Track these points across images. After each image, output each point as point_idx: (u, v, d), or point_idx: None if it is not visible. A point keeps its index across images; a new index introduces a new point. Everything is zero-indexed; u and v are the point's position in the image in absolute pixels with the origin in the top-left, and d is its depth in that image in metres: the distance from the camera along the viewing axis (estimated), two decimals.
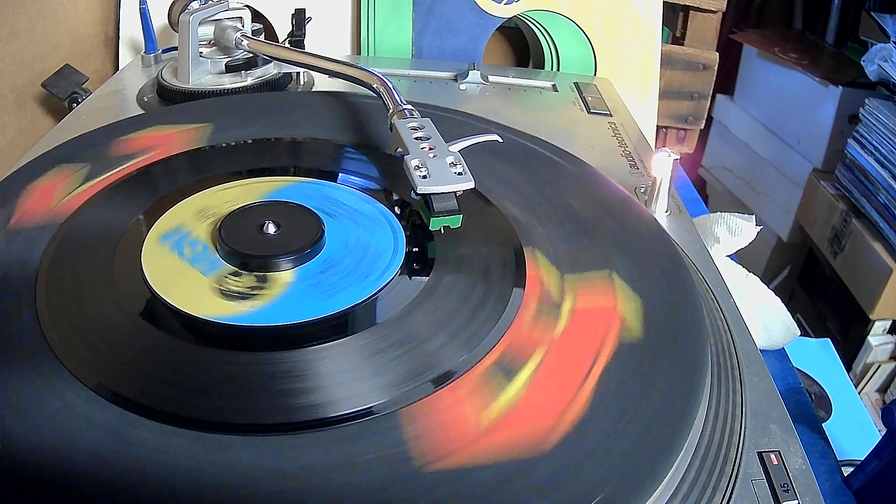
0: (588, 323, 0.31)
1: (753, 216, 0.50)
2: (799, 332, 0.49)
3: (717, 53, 0.77)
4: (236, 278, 0.33)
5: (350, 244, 0.36)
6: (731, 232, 0.50)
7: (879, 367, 0.93)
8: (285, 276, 0.33)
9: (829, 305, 1.06)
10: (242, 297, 0.32)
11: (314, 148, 0.45)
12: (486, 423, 0.26)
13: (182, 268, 0.33)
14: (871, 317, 0.90)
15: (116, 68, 0.71)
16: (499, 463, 0.24)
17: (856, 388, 0.84)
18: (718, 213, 0.51)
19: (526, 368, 0.29)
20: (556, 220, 0.38)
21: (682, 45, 0.77)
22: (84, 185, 0.39)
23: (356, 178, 0.41)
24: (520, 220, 0.38)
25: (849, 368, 0.94)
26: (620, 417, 0.26)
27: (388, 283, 0.33)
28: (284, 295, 0.32)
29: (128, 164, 0.41)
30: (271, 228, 0.35)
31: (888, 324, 0.93)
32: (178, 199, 0.38)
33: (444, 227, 0.34)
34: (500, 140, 0.40)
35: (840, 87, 1.00)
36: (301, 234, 0.35)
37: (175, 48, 0.57)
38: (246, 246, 0.34)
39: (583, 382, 0.28)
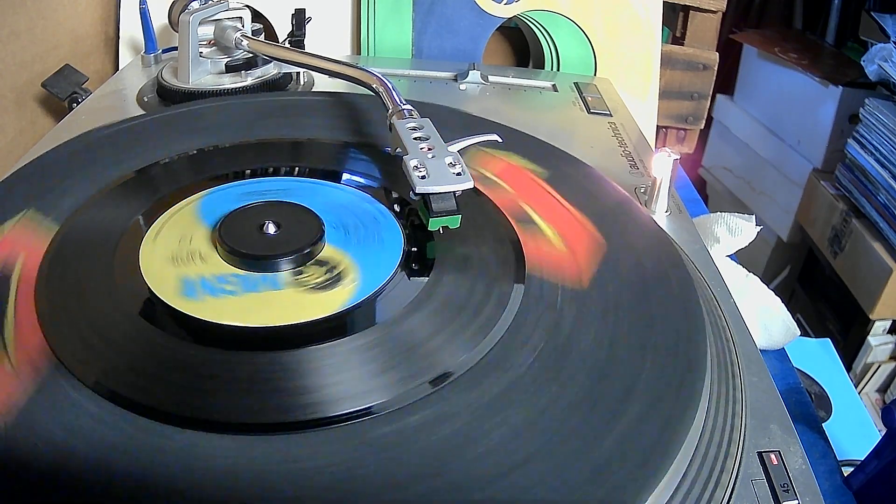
0: (512, 177, 0.42)
1: (753, 216, 0.50)
2: (799, 332, 0.49)
3: (717, 53, 0.77)
4: (306, 275, 0.33)
5: (329, 206, 0.38)
6: (731, 232, 0.50)
7: (879, 367, 0.93)
8: (332, 251, 0.35)
9: (829, 305, 1.06)
10: (334, 281, 0.33)
11: (305, 148, 0.45)
12: (567, 249, 0.36)
13: (249, 299, 0.32)
14: (871, 317, 0.90)
15: (116, 68, 0.71)
16: (601, 268, 0.35)
17: (856, 388, 0.84)
18: (718, 213, 0.51)
19: (535, 217, 0.38)
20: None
21: (682, 45, 0.77)
22: None
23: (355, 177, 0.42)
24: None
25: (849, 368, 0.94)
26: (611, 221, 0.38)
27: (388, 282, 0.33)
28: (358, 261, 0.34)
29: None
30: (271, 228, 0.35)
31: (888, 324, 0.93)
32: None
33: (442, 227, 0.34)
34: (500, 140, 0.40)
35: (840, 87, 1.00)
36: (296, 220, 0.36)
37: (175, 48, 0.57)
38: (273, 248, 0.34)
39: (564, 207, 0.39)
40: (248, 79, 0.56)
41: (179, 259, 0.34)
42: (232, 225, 0.35)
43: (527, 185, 0.41)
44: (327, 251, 0.35)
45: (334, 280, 0.33)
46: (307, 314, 0.31)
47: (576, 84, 0.65)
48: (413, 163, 0.35)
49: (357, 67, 0.47)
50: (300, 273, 0.33)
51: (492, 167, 0.43)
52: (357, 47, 0.71)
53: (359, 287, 0.33)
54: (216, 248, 0.34)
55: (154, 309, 0.31)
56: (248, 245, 0.34)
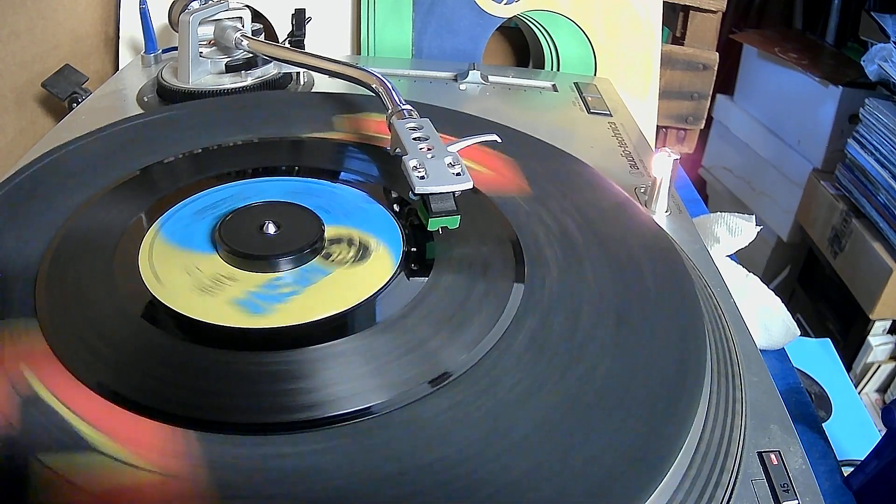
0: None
1: (753, 216, 0.50)
2: (799, 332, 0.49)
3: (717, 53, 0.77)
4: (336, 255, 0.34)
5: (314, 192, 0.39)
6: (731, 232, 0.50)
7: (879, 367, 0.93)
8: (341, 230, 0.36)
9: (829, 305, 1.06)
10: (364, 251, 0.35)
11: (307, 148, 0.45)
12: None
13: (313, 291, 0.32)
14: (871, 317, 0.90)
15: (116, 68, 0.71)
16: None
17: (856, 388, 0.84)
18: (718, 213, 0.51)
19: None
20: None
21: (682, 45, 0.77)
22: None
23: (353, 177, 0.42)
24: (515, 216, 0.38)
25: (849, 368, 0.94)
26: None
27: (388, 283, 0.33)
28: (369, 229, 0.36)
29: None
30: (272, 228, 0.35)
31: (888, 324, 0.93)
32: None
33: (441, 227, 0.34)
34: (499, 140, 0.40)
35: (840, 87, 1.00)
36: (297, 220, 0.36)
37: (175, 48, 0.57)
38: (293, 243, 0.34)
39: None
40: (248, 79, 0.56)
41: (208, 288, 0.32)
42: (232, 227, 0.35)
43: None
44: (335, 230, 0.36)
45: (363, 251, 0.35)
46: (376, 283, 0.33)
47: (576, 84, 0.65)
48: (412, 163, 0.35)
49: (357, 67, 0.47)
50: (329, 255, 0.34)
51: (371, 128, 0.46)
52: (357, 47, 0.71)
53: (391, 249, 0.35)
54: (227, 258, 0.34)
55: (155, 310, 0.31)
56: (252, 246, 0.34)
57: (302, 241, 0.34)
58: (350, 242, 0.35)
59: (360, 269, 0.34)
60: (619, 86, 0.68)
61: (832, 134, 1.02)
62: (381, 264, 0.34)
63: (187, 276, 0.33)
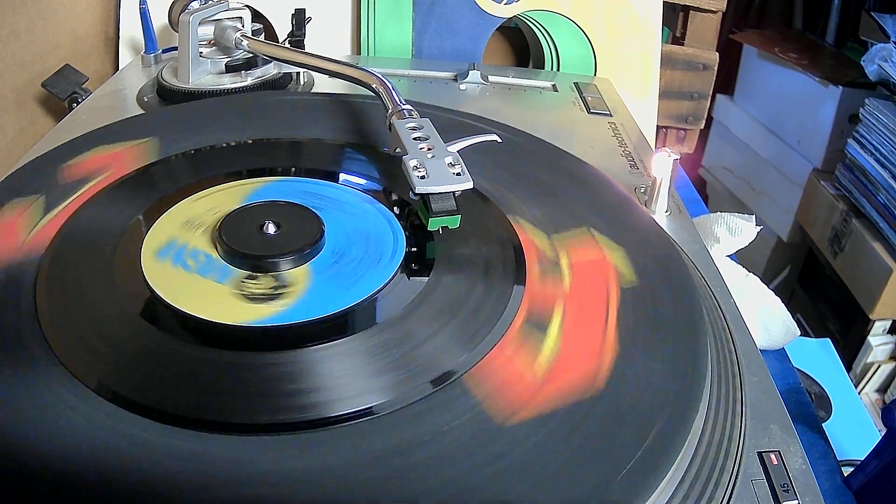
0: (587, 273, 0.34)
1: (753, 216, 0.50)
2: (799, 332, 0.49)
3: (717, 53, 0.77)
4: (254, 281, 0.33)
5: (349, 233, 0.36)
6: (731, 232, 0.50)
7: (879, 367, 0.93)
8: (301, 273, 0.33)
9: (829, 305, 1.06)
10: (269, 297, 0.32)
11: (307, 148, 0.45)
12: (541, 375, 0.28)
13: (192, 279, 0.32)
14: (871, 317, 0.90)
15: (116, 68, 0.71)
16: (566, 406, 0.27)
17: (856, 388, 0.84)
18: (718, 213, 0.51)
19: (553, 321, 0.31)
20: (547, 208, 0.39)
21: (682, 45, 0.77)
22: (47, 217, 0.36)
23: (354, 178, 0.42)
24: (514, 210, 0.38)
25: (849, 368, 0.94)
26: (648, 351, 0.30)
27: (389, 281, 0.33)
28: (310, 289, 0.32)
29: (84, 189, 0.38)
30: (271, 228, 0.35)
31: (888, 324, 0.93)
32: (169, 204, 0.38)
33: (442, 227, 0.34)
34: (500, 140, 0.40)
35: (840, 87, 1.00)
36: (302, 232, 0.35)
37: (175, 48, 0.57)
38: (253, 248, 0.34)
39: (605, 326, 0.31)
40: (248, 79, 0.56)
41: (191, 224, 0.36)
42: (237, 220, 0.35)
43: (591, 288, 0.34)
44: (297, 270, 0.33)
45: (270, 298, 0.32)
46: (217, 315, 0.30)
47: (576, 84, 0.65)
48: (412, 163, 0.35)
49: (357, 67, 0.47)
50: (252, 278, 0.33)
51: (578, 254, 0.36)
52: (357, 47, 0.71)
53: (280, 314, 0.31)
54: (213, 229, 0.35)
55: (155, 309, 0.31)
56: (237, 238, 0.34)
57: (265, 250, 0.34)
58: (282, 286, 0.32)
59: (235, 303, 0.31)
60: (619, 86, 0.68)
61: (832, 134, 1.02)
62: (248, 313, 0.31)
63: (204, 210, 0.37)
